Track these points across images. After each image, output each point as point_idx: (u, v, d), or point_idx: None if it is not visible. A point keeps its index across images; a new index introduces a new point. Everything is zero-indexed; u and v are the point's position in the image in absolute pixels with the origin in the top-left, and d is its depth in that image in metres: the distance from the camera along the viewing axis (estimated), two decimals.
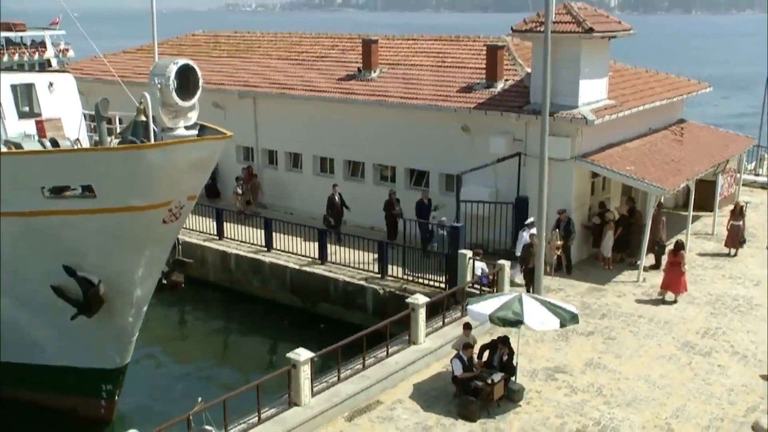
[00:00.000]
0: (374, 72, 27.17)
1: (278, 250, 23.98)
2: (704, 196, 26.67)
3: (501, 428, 14.59)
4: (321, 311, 22.60)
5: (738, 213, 23.90)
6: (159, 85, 13.74)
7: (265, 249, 24.24)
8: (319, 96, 27.12)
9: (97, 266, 15.08)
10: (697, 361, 17.21)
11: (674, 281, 20.31)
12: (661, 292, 20.56)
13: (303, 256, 23.41)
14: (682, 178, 22.38)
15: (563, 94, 21.94)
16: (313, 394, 14.95)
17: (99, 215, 14.29)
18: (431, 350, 17.12)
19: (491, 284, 19.75)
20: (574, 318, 15.05)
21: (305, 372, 14.55)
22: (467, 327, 16.06)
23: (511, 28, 22.17)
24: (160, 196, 14.14)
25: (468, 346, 15.22)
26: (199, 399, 13.14)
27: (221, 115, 29.67)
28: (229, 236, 25.44)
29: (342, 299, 22.19)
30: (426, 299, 17.37)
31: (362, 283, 21.81)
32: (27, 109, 20.49)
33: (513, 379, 15.65)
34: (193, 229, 25.69)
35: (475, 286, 19.74)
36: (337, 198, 25.10)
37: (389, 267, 21.88)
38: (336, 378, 15.59)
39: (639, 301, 20.42)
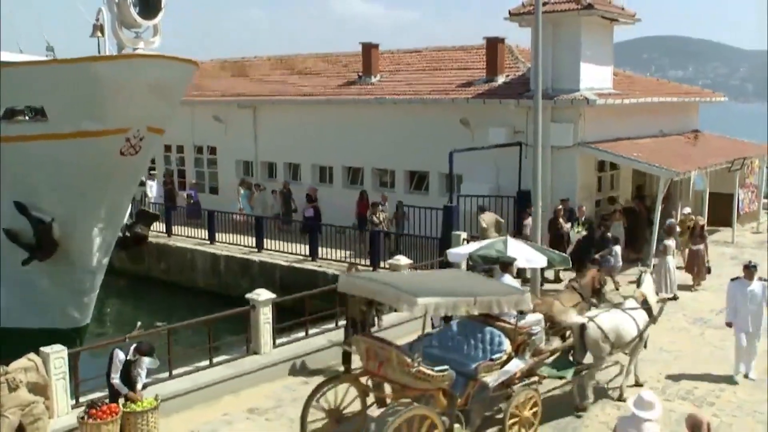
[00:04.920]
0: (375, 77, 26.57)
1: None
2: (722, 210, 25.13)
3: None
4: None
5: (698, 236, 18.96)
6: (117, 1, 13.09)
7: None
8: (317, 99, 26.48)
9: (50, 203, 14.09)
10: (711, 333, 15.51)
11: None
12: None
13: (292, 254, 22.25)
14: (693, 165, 21.05)
15: (564, 79, 20.98)
16: (276, 346, 13.53)
17: (51, 142, 13.42)
18: (414, 317, 15.62)
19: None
20: (564, 260, 13.65)
21: (265, 315, 13.19)
22: None
23: (509, 12, 21.48)
24: (115, 120, 13.28)
25: None
26: (138, 323, 11.83)
27: (222, 128, 29.27)
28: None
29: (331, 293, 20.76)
30: (408, 261, 16.06)
31: None
32: None
33: None
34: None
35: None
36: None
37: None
38: (304, 333, 14.20)
39: None
